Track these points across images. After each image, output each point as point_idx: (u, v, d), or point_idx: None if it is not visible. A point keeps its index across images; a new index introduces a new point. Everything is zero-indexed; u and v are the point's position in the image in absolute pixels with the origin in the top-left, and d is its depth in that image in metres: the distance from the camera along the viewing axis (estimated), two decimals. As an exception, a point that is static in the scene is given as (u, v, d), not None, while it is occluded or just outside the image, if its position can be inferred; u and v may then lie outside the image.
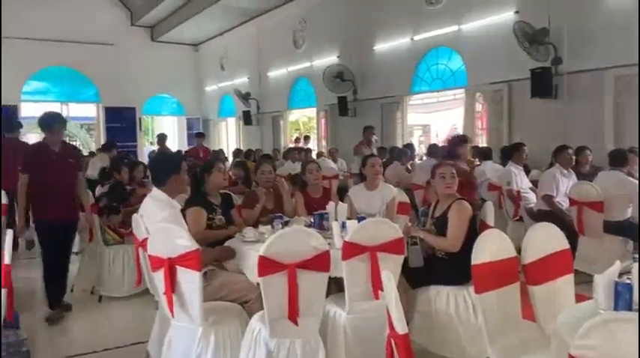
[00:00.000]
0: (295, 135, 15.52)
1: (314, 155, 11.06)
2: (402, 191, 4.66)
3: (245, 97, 15.09)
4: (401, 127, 10.75)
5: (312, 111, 14.50)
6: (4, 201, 5.25)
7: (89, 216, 4.62)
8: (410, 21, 10.01)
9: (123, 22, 16.92)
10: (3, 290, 2.44)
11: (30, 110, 17.06)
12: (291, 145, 13.29)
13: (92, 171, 8.01)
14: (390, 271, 2.82)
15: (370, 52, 10.99)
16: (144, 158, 14.91)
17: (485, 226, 3.46)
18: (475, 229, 3.37)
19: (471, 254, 3.20)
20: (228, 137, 18.01)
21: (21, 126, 7.42)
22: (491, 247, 2.40)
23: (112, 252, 4.94)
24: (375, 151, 8.55)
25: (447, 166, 3.56)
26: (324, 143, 13.39)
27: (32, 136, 19.30)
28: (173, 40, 17.06)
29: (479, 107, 9.32)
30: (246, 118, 15.20)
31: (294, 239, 2.55)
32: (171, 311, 2.76)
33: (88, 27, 15.67)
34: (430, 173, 3.66)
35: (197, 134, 11.13)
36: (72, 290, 5.00)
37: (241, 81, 15.94)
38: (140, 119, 17.64)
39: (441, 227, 3.38)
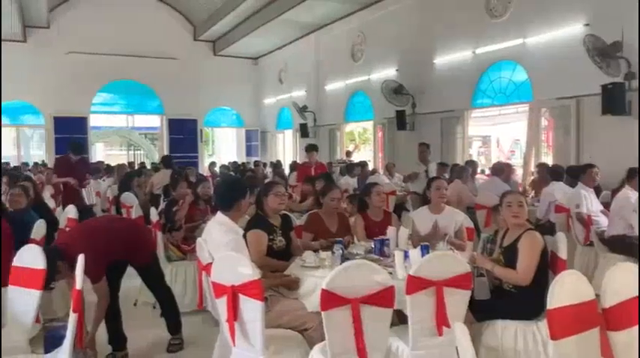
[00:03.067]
0: (351, 146, 15.56)
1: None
2: (467, 217, 4.50)
3: (302, 110, 15.24)
4: (461, 142, 10.51)
5: (368, 125, 14.47)
6: (73, 215, 5.46)
7: None
8: (472, 34, 9.80)
9: (187, 37, 17.53)
10: (74, 314, 2.51)
11: (99, 121, 17.99)
12: (341, 158, 13.32)
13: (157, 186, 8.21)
14: (457, 306, 2.75)
15: (430, 66, 10.83)
16: (204, 169, 15.30)
17: (556, 258, 3.29)
18: (546, 261, 3.21)
19: (541, 287, 3.06)
20: (285, 149, 18.21)
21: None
22: (569, 290, 2.25)
23: (175, 268, 5.02)
24: (431, 168, 8.36)
25: (515, 194, 3.41)
26: (380, 156, 13.31)
27: (99, 146, 20.37)
28: (234, 53, 17.50)
29: (544, 123, 8.99)
30: (303, 131, 15.32)
31: (357, 273, 2.49)
32: (233, 339, 2.76)
33: (154, 42, 16.35)
34: (494, 195, 3.53)
35: (308, 147, 8.74)
36: (135, 305, 5.13)
37: (299, 94, 16.10)
38: (201, 130, 18.16)
39: (510, 257, 3.22)
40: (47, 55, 15.33)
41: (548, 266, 3.22)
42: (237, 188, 3.46)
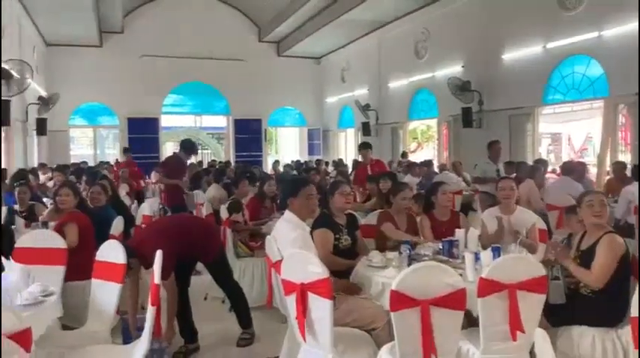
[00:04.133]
0: (412, 146, 15.34)
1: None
2: (540, 218, 4.34)
3: (365, 108, 15.20)
4: (531, 140, 10.15)
5: (432, 122, 14.24)
6: (147, 212, 5.70)
7: None
8: (543, 28, 9.44)
9: (252, 38, 17.90)
10: (152, 308, 2.63)
11: (169, 121, 18.76)
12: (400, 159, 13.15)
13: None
14: (531, 310, 2.66)
15: (498, 61, 10.53)
16: (268, 167, 15.58)
17: (637, 263, 3.11)
18: (628, 266, 3.04)
19: (622, 293, 2.91)
20: (347, 148, 18.23)
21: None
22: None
23: (243, 264, 5.15)
24: (500, 167, 8.09)
25: (597, 194, 3.25)
26: (445, 155, 13.06)
27: (169, 145, 21.21)
28: (297, 54, 17.71)
29: (621, 119, 8.52)
30: (365, 129, 15.26)
31: (427, 274, 2.46)
32: (303, 336, 2.80)
33: (221, 44, 16.84)
34: (567, 196, 3.38)
35: (361, 145, 8.00)
36: (205, 299, 5.30)
37: (361, 92, 16.07)
38: (266, 130, 18.51)
39: (587, 261, 3.07)
40: (122, 58, 16.11)
41: (630, 271, 3.05)
42: (288, 186, 3.60)
